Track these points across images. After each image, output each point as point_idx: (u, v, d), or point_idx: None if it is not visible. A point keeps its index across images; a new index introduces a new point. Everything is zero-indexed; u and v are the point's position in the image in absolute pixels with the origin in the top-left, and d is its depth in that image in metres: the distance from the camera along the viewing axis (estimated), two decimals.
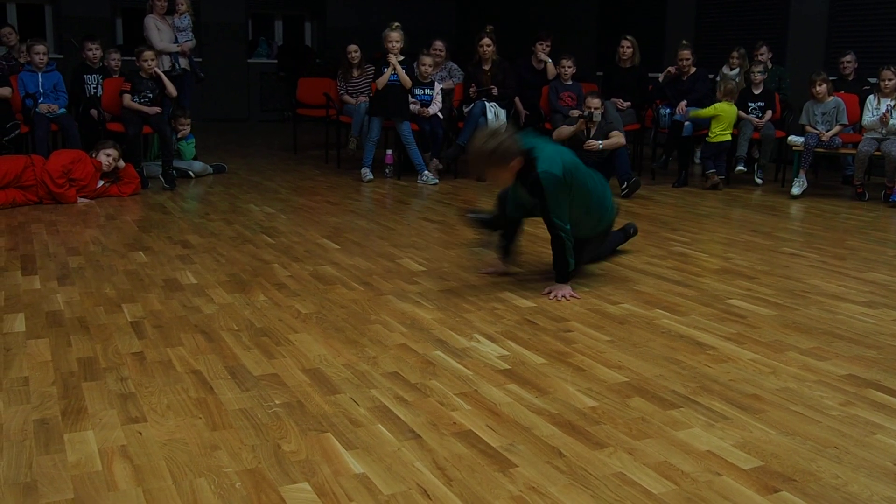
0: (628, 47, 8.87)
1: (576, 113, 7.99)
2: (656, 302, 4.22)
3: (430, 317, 3.93)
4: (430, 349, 3.49)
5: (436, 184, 8.04)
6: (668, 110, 8.67)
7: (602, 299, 4.25)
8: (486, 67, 8.64)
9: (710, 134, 8.03)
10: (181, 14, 9.03)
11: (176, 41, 8.98)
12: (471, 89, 8.58)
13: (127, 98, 7.72)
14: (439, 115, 8.45)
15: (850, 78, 8.48)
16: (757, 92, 8.29)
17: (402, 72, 8.08)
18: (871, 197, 7.51)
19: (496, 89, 8.49)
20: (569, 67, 8.72)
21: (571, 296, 4.23)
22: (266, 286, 4.43)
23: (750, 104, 8.27)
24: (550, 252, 4.36)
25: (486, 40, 8.64)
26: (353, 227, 6.05)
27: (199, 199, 7.23)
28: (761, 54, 8.83)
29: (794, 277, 4.76)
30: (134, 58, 7.99)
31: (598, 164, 7.49)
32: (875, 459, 2.55)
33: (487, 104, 8.36)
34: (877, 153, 7.37)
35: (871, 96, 7.49)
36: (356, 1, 15.28)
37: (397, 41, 8.14)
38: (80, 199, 6.78)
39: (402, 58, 8.14)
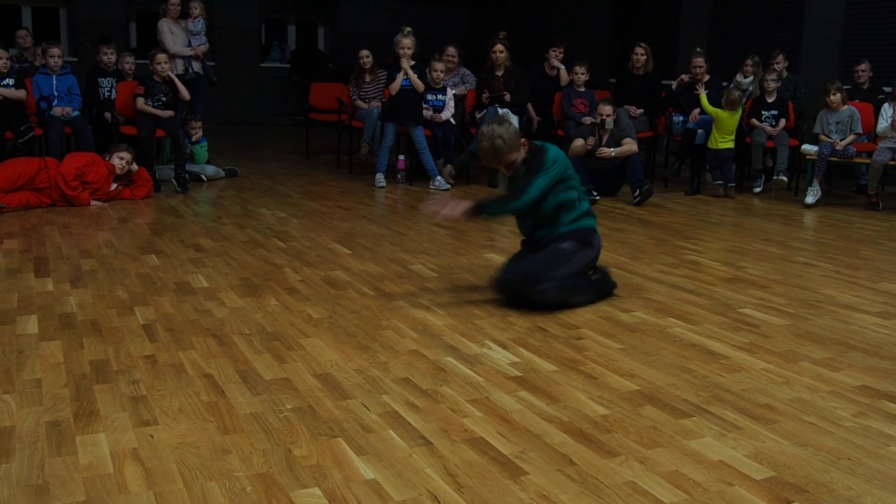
0: (642, 54, 8.88)
1: (588, 120, 7.99)
2: (668, 310, 4.21)
3: (442, 323, 3.93)
4: (442, 355, 3.49)
5: (448, 189, 8.04)
6: (681, 118, 8.66)
7: (614, 307, 4.24)
8: (499, 73, 8.65)
9: (710, 140, 8.00)
10: (195, 18, 9.08)
11: (189, 45, 9.02)
12: (483, 95, 8.58)
13: (140, 101, 7.76)
14: (452, 120, 8.46)
15: (865, 86, 8.45)
16: (770, 100, 8.27)
17: (413, 76, 8.09)
18: (885, 207, 7.49)
19: (509, 95, 8.50)
20: (582, 74, 8.72)
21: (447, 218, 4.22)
22: (278, 290, 4.43)
23: (763, 112, 8.25)
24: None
25: (499, 46, 8.65)
26: (365, 232, 6.05)
27: (211, 203, 7.25)
28: (777, 62, 8.80)
29: (808, 287, 4.74)
30: (148, 61, 8.03)
31: (611, 171, 7.50)
32: (888, 471, 2.53)
33: (500, 110, 8.35)
34: (892, 163, 7.33)
35: (886, 105, 7.46)
36: (369, 6, 15.33)
37: (409, 47, 8.15)
38: (93, 202, 6.80)
39: (413, 62, 8.15)
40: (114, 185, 7.02)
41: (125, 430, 2.69)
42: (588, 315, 4.09)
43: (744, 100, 8.30)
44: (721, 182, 8.01)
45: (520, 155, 4.24)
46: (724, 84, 8.72)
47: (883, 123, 7.41)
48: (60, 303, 4.11)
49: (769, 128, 8.16)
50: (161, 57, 7.96)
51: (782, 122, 8.19)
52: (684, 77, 8.78)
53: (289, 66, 15.09)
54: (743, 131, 8.21)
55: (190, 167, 8.06)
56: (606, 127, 7.43)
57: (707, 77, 8.46)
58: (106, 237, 5.70)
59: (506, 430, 2.76)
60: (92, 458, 2.49)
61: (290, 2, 15.18)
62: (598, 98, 8.25)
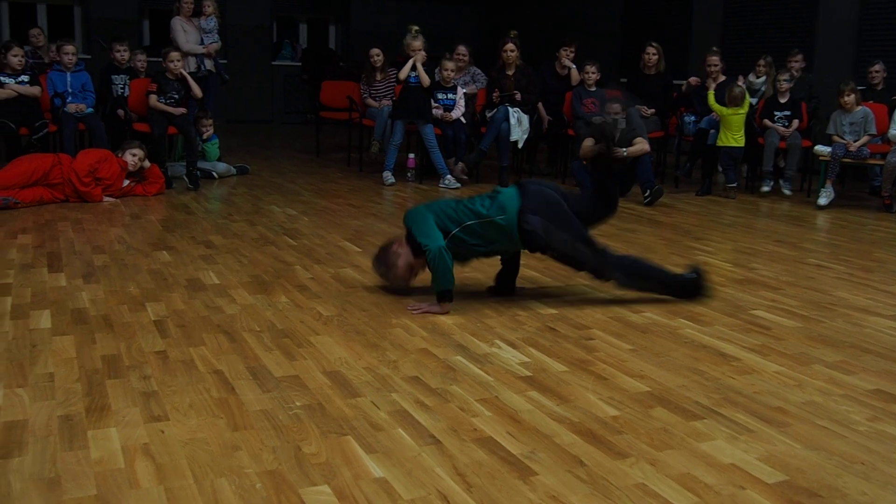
0: (653, 54, 8.85)
1: (598, 119, 7.97)
2: (679, 311, 4.19)
3: (451, 322, 3.93)
4: (451, 354, 3.49)
5: (457, 188, 8.04)
6: (692, 118, 8.64)
7: (624, 308, 4.23)
8: (510, 73, 8.64)
9: (719, 138, 7.97)
10: (207, 16, 9.11)
11: (202, 43, 9.04)
12: (494, 94, 8.58)
13: (153, 99, 7.78)
14: (462, 119, 8.45)
15: (879, 87, 8.41)
16: (783, 101, 8.23)
17: (422, 70, 8.08)
18: None
19: (519, 95, 8.49)
20: (593, 73, 8.70)
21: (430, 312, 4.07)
22: (288, 288, 4.44)
23: (776, 113, 8.22)
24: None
25: (510, 45, 8.64)
26: (375, 230, 6.05)
27: (222, 200, 7.26)
28: (796, 61, 8.76)
29: (820, 289, 4.72)
30: (160, 59, 8.05)
31: (621, 171, 7.48)
32: None
33: (510, 110, 8.35)
34: None
35: None
36: (380, 5, 15.33)
37: (418, 49, 8.15)
38: (106, 198, 6.83)
39: (425, 59, 8.14)
40: (126, 182, 7.04)
41: (136, 425, 2.70)
42: (598, 315, 4.09)
43: (755, 99, 8.26)
44: (734, 185, 7.98)
45: (404, 260, 4.21)
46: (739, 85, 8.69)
47: None
48: (73, 298, 4.13)
49: (781, 128, 8.13)
50: (174, 55, 7.98)
51: (795, 122, 8.15)
52: (692, 80, 8.76)
53: (300, 64, 15.10)
54: (755, 131, 8.17)
55: (201, 164, 8.08)
56: (619, 126, 7.41)
57: (722, 77, 8.43)
58: (118, 233, 5.72)
59: (515, 430, 2.75)
60: (103, 453, 2.50)
61: (301, 1, 15.19)
62: (608, 96, 8.24)
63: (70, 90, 7.84)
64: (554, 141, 9.41)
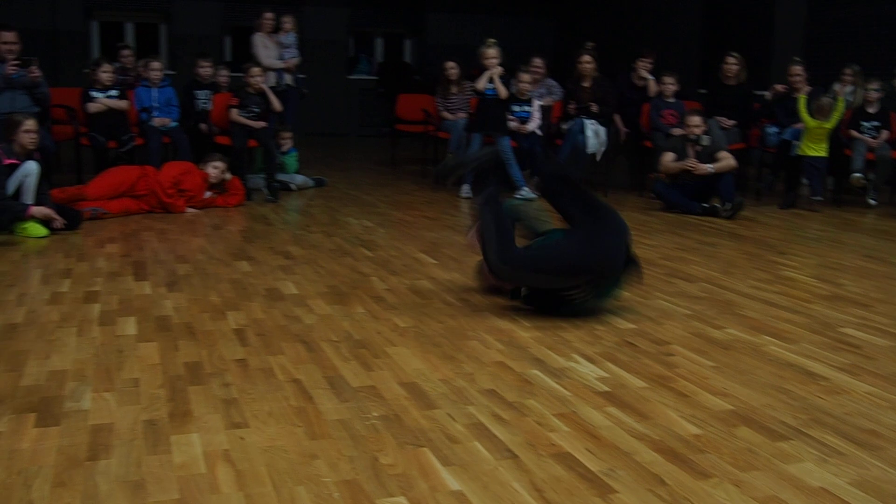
0: (734, 64, 8.68)
1: (678, 132, 7.86)
2: (763, 328, 4.09)
3: (528, 335, 3.90)
4: (528, 368, 3.46)
5: (532, 199, 7.99)
6: (775, 129, 8.44)
7: (705, 323, 4.14)
8: (586, 84, 8.57)
9: (801, 148, 7.76)
10: (287, 32, 9.25)
11: (282, 58, 9.19)
12: (570, 106, 8.52)
13: (234, 112, 7.94)
14: (537, 132, 8.42)
15: None
16: (872, 111, 8.00)
17: (499, 82, 8.08)
18: None
19: (596, 106, 8.42)
20: (671, 84, 8.59)
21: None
22: (364, 299, 4.46)
23: (864, 124, 8.00)
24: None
25: (587, 57, 8.58)
26: (451, 242, 6.06)
27: (300, 212, 7.36)
28: None
29: None
30: (242, 74, 8.21)
31: (701, 184, 7.36)
32: None
33: (586, 122, 8.29)
34: None
35: None
36: (455, 18, 15.40)
37: (494, 57, 8.15)
38: (188, 209, 6.97)
39: (502, 71, 8.14)
40: (208, 193, 7.19)
41: (217, 431, 2.74)
42: (678, 331, 4.01)
43: (842, 110, 8.06)
44: (819, 198, 7.76)
45: None
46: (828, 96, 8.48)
47: None
48: (157, 306, 4.22)
49: (870, 139, 7.90)
50: (255, 70, 8.15)
51: (884, 133, 7.91)
52: (778, 86, 8.58)
53: (376, 78, 15.26)
54: (840, 142, 7.96)
55: (280, 176, 8.20)
56: (702, 143, 7.28)
57: (807, 88, 8.23)
58: (200, 243, 5.84)
59: (594, 447, 2.71)
60: (185, 458, 2.54)
61: (377, 15, 15.36)
62: (687, 109, 8.13)
63: (156, 105, 8.06)
64: (631, 153, 9.31)
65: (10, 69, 6.87)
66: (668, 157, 7.45)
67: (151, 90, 8.09)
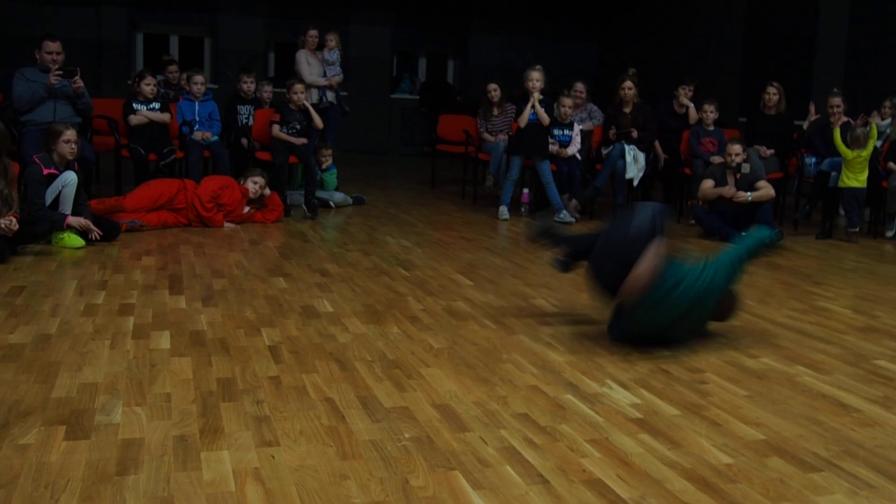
0: (774, 94, 8.63)
1: (717, 159, 7.82)
2: (797, 358, 4.05)
3: (562, 359, 3.89)
4: (561, 392, 3.45)
5: (571, 223, 7.99)
6: (813, 159, 8.38)
7: (740, 352, 4.11)
8: (627, 110, 8.57)
9: (841, 179, 7.69)
10: (331, 49, 9.34)
11: (325, 75, 9.28)
12: (610, 131, 8.52)
13: (276, 128, 8.02)
14: (578, 156, 8.42)
15: None
16: None
17: (540, 109, 8.10)
18: None
19: (636, 132, 8.41)
20: (711, 112, 8.55)
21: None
22: (400, 318, 4.48)
23: None
24: None
25: (628, 83, 8.58)
26: (488, 264, 6.06)
27: (338, 229, 7.40)
28: None
29: None
30: (285, 90, 8.30)
31: (739, 213, 7.31)
32: None
33: (626, 147, 8.28)
34: None
35: None
36: (499, 40, 15.46)
37: (538, 80, 8.18)
38: (227, 224, 7.04)
39: (541, 97, 8.16)
40: (246, 208, 7.26)
41: (248, 448, 2.76)
42: (713, 359, 3.98)
43: (879, 142, 7.96)
44: (856, 230, 7.67)
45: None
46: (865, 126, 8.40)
47: None
48: (192, 320, 4.26)
49: None
50: (298, 87, 8.22)
51: None
52: (811, 109, 8.54)
53: (418, 97, 15.34)
54: (879, 175, 7.87)
55: (319, 193, 8.25)
56: (742, 171, 7.24)
57: (845, 119, 8.16)
58: (237, 258, 5.89)
59: (625, 474, 2.70)
60: (215, 475, 2.56)
61: (421, 35, 15.46)
62: (727, 137, 8.08)
63: (197, 118, 8.15)
64: (670, 180, 9.27)
65: (54, 79, 6.98)
66: (707, 184, 7.41)
67: (193, 104, 8.20)
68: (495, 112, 9.17)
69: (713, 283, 3.99)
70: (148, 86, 7.88)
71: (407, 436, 2.92)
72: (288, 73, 9.76)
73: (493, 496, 2.50)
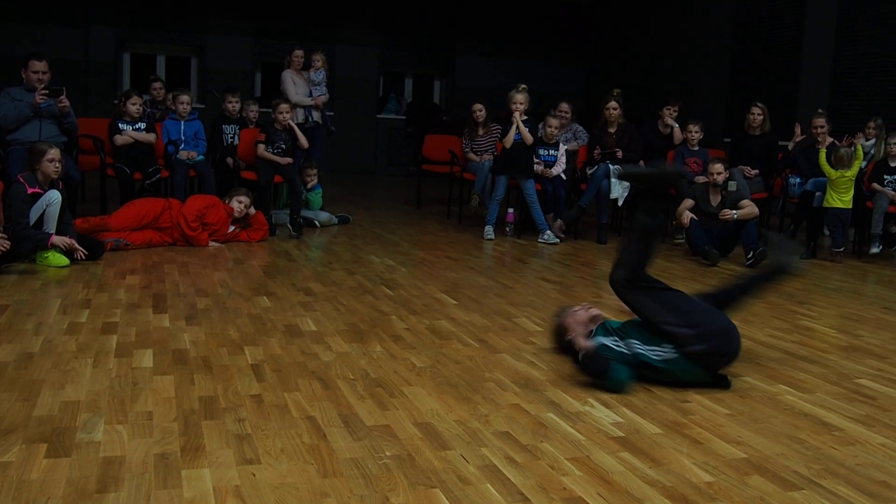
0: (759, 114, 8.72)
1: (701, 179, 7.87)
2: (779, 377, 4.07)
3: (545, 378, 3.90)
4: (543, 411, 3.45)
5: (556, 244, 8.02)
6: (797, 179, 8.45)
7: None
8: (612, 130, 8.62)
9: (826, 199, 7.75)
10: (317, 69, 9.37)
11: (310, 95, 9.30)
12: (595, 151, 8.57)
13: (261, 148, 8.03)
14: (562, 175, 8.46)
15: None
16: (893, 164, 7.99)
17: (524, 129, 8.15)
18: None
19: (621, 152, 8.46)
20: (696, 132, 8.63)
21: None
22: (383, 337, 4.48)
23: (886, 177, 7.98)
24: None
25: (613, 103, 8.64)
26: (472, 283, 6.07)
27: (323, 249, 7.41)
28: None
29: None
30: (271, 110, 8.32)
31: (724, 232, 7.36)
32: None
33: (611, 167, 8.32)
34: None
35: None
36: (485, 61, 15.56)
37: (521, 103, 8.24)
38: (212, 243, 7.04)
39: (525, 117, 8.21)
40: (231, 228, 7.26)
41: (229, 466, 2.75)
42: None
43: (864, 162, 8.04)
44: (841, 249, 7.73)
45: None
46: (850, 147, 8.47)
47: None
48: (175, 339, 4.25)
49: (892, 192, 7.87)
50: (283, 106, 8.25)
51: None
52: (797, 131, 8.61)
53: (404, 117, 15.39)
54: (863, 195, 7.94)
55: (305, 213, 8.26)
56: (729, 189, 7.29)
57: (829, 140, 8.24)
58: (221, 277, 5.88)
59: (606, 492, 2.70)
60: (196, 493, 2.55)
61: (408, 56, 15.54)
62: (711, 157, 8.14)
63: (183, 138, 8.16)
64: (655, 199, 9.31)
65: (39, 98, 6.98)
66: (686, 204, 7.46)
67: (179, 123, 8.21)
68: (480, 132, 9.21)
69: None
70: (134, 105, 7.89)
71: (388, 454, 2.92)
72: (274, 93, 9.79)
73: None
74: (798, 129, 8.86)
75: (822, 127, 8.30)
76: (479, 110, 9.21)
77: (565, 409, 3.49)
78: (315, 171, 8.79)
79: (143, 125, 7.93)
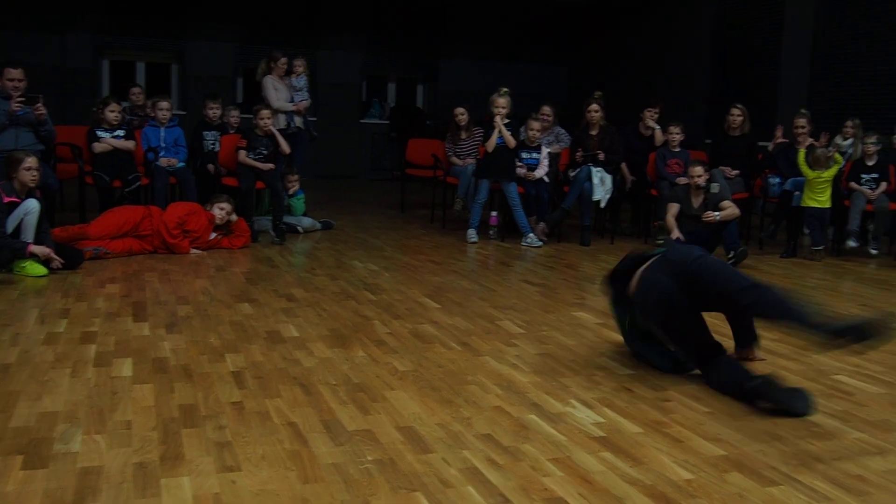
0: (738, 115, 8.77)
1: (683, 180, 7.90)
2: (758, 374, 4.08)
3: (527, 380, 3.90)
4: (525, 412, 3.46)
5: (539, 246, 8.03)
6: (777, 179, 8.50)
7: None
8: (594, 133, 8.64)
9: (803, 199, 7.81)
10: (298, 75, 9.36)
11: (292, 100, 9.29)
12: (577, 154, 8.58)
13: (242, 154, 8.01)
14: (545, 178, 8.48)
15: None
16: (870, 163, 8.05)
17: (506, 133, 8.17)
18: None
19: (603, 154, 8.48)
20: (677, 134, 8.66)
21: None
22: (365, 342, 4.48)
23: (863, 176, 8.04)
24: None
25: (595, 106, 8.66)
26: (455, 286, 6.08)
27: (306, 254, 7.39)
28: None
29: None
30: (252, 115, 8.30)
31: (706, 233, 7.38)
32: None
33: (593, 169, 8.34)
34: None
35: None
36: (468, 65, 15.58)
37: (503, 107, 8.26)
38: (193, 250, 7.00)
39: (507, 121, 8.23)
40: (213, 235, 7.23)
41: (209, 474, 2.74)
42: (676, 377, 4.01)
43: (842, 162, 8.09)
44: (820, 248, 7.78)
45: None
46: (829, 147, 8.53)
47: None
48: (155, 347, 4.24)
49: (868, 191, 7.93)
50: (264, 112, 8.23)
51: (882, 185, 7.96)
52: (778, 133, 8.66)
53: (388, 122, 15.39)
54: (841, 194, 8.00)
55: (287, 219, 8.24)
56: (712, 191, 7.32)
57: (810, 140, 8.29)
58: (203, 285, 5.86)
59: (587, 492, 2.71)
60: (175, 501, 2.54)
61: (391, 60, 15.55)
62: (692, 158, 8.17)
63: (163, 145, 8.13)
64: (637, 201, 9.36)
65: (15, 106, 6.93)
66: (673, 210, 7.46)
67: (159, 130, 8.17)
68: (463, 136, 9.22)
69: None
70: (112, 112, 7.84)
71: (370, 458, 2.92)
72: (255, 99, 9.76)
73: None
74: (780, 132, 8.90)
75: (802, 127, 8.35)
76: (462, 114, 9.21)
77: (547, 410, 3.50)
78: (297, 176, 8.77)
79: (121, 132, 7.88)
